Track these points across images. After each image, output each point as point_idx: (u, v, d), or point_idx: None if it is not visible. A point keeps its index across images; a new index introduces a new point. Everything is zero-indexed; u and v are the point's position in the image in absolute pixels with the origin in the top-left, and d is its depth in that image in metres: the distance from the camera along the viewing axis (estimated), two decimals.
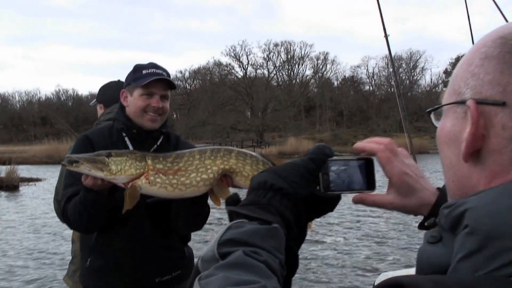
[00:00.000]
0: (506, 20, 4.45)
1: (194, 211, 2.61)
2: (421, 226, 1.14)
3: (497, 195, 0.74)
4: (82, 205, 2.49)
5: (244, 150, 2.43)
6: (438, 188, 1.18)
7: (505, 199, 0.72)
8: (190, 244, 3.11)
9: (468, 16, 4.42)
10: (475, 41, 1.01)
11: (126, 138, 2.78)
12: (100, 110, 4.13)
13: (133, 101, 2.76)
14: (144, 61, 2.86)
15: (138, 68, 2.79)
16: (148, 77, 2.70)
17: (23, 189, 23.78)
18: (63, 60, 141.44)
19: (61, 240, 11.51)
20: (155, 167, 2.32)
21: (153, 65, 2.78)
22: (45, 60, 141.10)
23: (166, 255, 2.81)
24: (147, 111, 2.73)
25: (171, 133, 2.95)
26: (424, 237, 0.85)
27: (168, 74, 2.82)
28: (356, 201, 1.20)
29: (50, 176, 29.80)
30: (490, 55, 0.80)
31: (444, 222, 0.81)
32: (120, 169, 2.27)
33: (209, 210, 2.72)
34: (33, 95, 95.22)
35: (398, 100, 4.67)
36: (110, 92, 3.93)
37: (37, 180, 27.52)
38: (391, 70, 79.38)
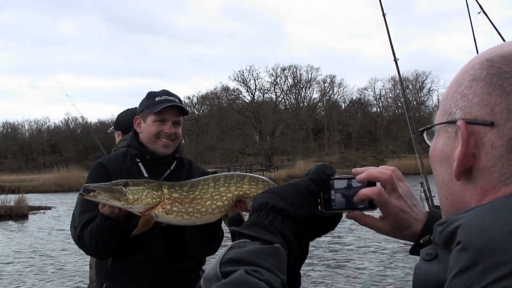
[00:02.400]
0: (504, 40, 4.45)
1: (208, 235, 2.65)
2: (412, 252, 1.16)
3: (488, 211, 0.76)
4: (98, 232, 2.54)
5: (255, 175, 2.48)
6: (428, 212, 1.19)
7: (495, 215, 0.74)
8: (205, 267, 3.07)
9: (474, 36, 4.42)
10: None
11: (140, 164, 2.86)
12: (118, 137, 4.20)
13: (146, 127, 2.84)
14: (150, 87, 2.99)
15: (151, 95, 2.88)
16: (160, 104, 2.79)
17: (32, 217, 23.74)
18: (71, 88, 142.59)
19: (70, 269, 11.42)
20: (172, 196, 2.36)
21: (165, 92, 2.88)
22: (52, 88, 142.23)
23: (181, 279, 2.81)
24: (160, 137, 2.81)
25: (184, 158, 3.01)
26: (420, 255, 0.86)
27: (181, 101, 2.92)
28: (349, 217, 1.20)
29: (59, 204, 29.85)
30: (478, 77, 0.83)
31: (438, 239, 0.82)
32: (137, 198, 2.32)
33: (223, 234, 2.75)
34: (42, 124, 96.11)
35: (408, 122, 4.64)
36: (127, 119, 4.00)
37: (46, 208, 27.51)
38: (398, 92, 79.52)
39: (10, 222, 22.03)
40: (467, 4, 4.27)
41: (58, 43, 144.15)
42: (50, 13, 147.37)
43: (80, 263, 11.66)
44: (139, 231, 2.36)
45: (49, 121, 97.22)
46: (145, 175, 2.80)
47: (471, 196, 0.84)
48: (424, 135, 0.96)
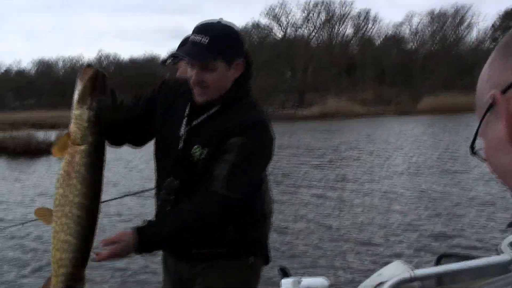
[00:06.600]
0: None
1: None
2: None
3: None
4: None
5: None
6: None
7: None
8: None
9: None
10: None
11: (189, 102, 2.53)
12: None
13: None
14: (178, 24, 2.74)
15: (186, 37, 2.72)
16: (180, 51, 2.66)
17: None
18: (99, 27, 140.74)
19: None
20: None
21: (196, 30, 2.42)
22: (81, 27, 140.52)
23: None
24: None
25: (238, 102, 2.49)
26: None
27: (214, 38, 2.37)
28: None
29: None
30: (492, 58, 0.84)
31: None
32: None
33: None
34: (76, 61, 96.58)
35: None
36: None
37: None
38: (436, 27, 76.78)
39: (52, 157, 22.49)
40: None
41: None
42: None
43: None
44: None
45: (83, 58, 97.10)
46: (186, 113, 2.52)
47: None
48: (479, 152, 0.88)
